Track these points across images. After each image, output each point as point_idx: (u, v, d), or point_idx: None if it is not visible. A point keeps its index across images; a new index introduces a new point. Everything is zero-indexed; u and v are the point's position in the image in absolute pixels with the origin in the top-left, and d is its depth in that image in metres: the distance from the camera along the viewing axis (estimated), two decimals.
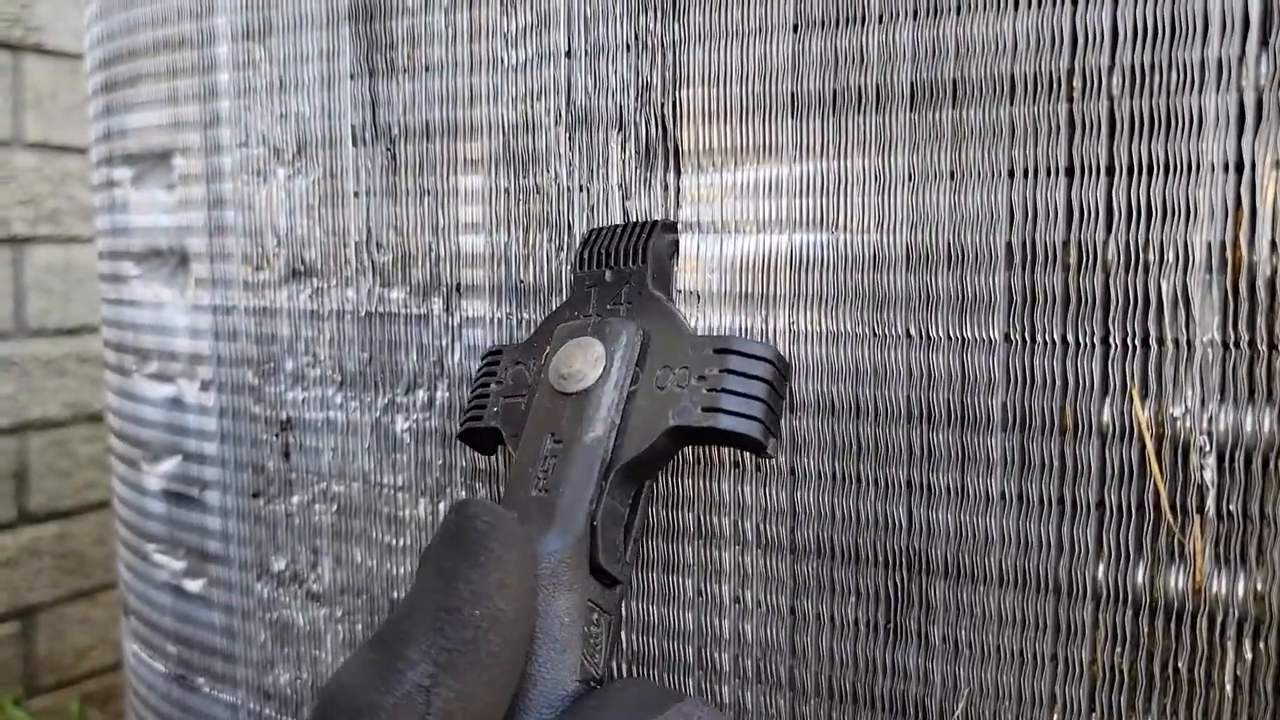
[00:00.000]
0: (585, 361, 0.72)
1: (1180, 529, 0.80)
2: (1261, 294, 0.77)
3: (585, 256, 0.85)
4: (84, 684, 3.82)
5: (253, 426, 1.32)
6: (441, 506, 1.16)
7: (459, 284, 1.13)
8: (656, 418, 0.72)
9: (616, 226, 0.95)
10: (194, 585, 1.42)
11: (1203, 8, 0.77)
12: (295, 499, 1.29)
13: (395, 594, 1.21)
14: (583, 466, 0.68)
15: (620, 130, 1.02)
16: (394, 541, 1.20)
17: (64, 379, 3.71)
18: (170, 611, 1.46)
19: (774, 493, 0.96)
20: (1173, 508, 0.81)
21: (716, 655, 0.99)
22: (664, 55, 0.98)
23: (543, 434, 0.71)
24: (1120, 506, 0.82)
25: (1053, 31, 0.82)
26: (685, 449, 0.90)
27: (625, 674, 1.02)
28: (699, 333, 0.90)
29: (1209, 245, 0.78)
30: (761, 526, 0.96)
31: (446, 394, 1.15)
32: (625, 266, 0.90)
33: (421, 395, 1.16)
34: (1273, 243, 0.77)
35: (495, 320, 1.11)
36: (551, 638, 0.61)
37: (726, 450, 0.95)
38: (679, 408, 0.71)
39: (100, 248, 1.56)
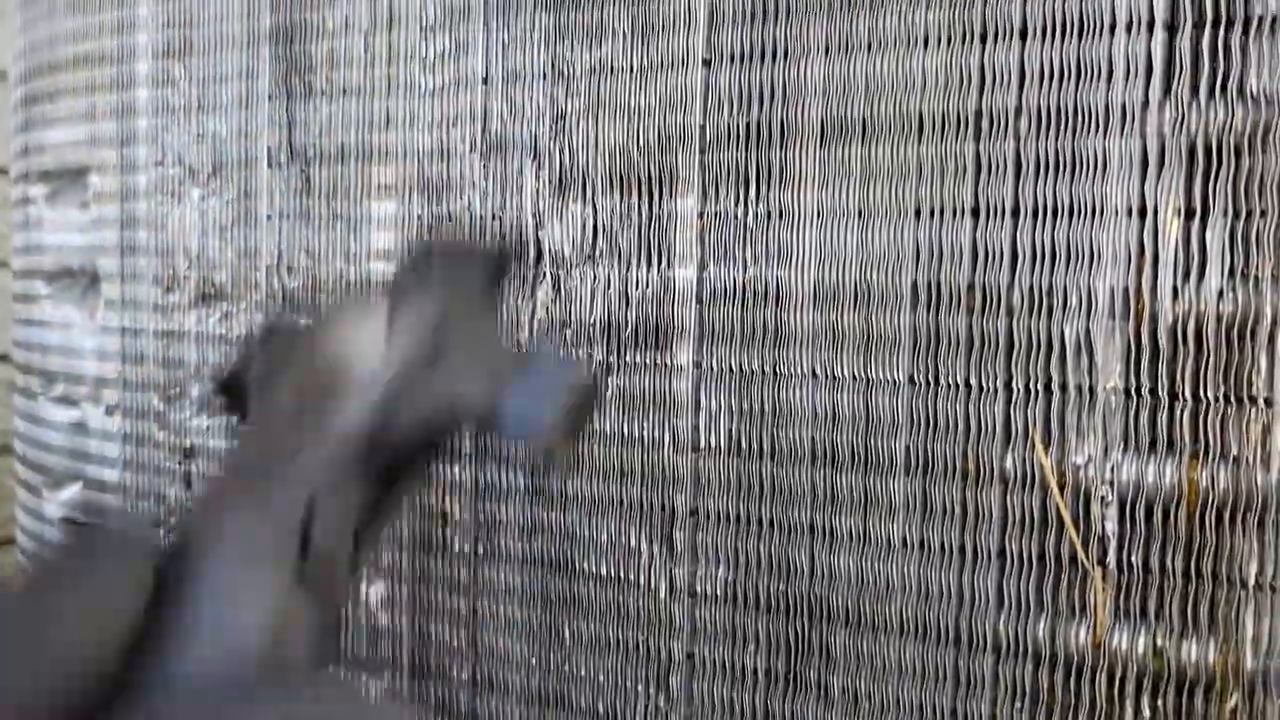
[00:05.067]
0: (357, 334, 0.61)
1: (1081, 581, 0.78)
2: (1164, 342, 0.76)
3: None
4: None
5: (155, 454, 1.27)
6: None
7: None
8: (425, 403, 0.62)
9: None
10: None
11: (1107, 52, 0.76)
12: None
13: None
14: (328, 440, 0.58)
15: (535, 158, 1.00)
16: None
17: None
18: None
19: (679, 535, 0.93)
20: (1073, 559, 0.78)
21: (618, 705, 0.95)
22: (578, 84, 0.97)
23: (294, 399, 0.60)
24: (1021, 556, 0.80)
25: (962, 71, 0.81)
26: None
27: None
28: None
29: (1112, 290, 0.77)
30: (673, 570, 0.93)
31: None
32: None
33: None
34: (1174, 289, 0.76)
35: None
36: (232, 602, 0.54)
37: (642, 499, 0.92)
38: (456, 394, 0.61)
39: (15, 266, 1.51)
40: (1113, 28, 0.77)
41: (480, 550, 1.04)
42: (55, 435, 1.41)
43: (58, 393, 1.40)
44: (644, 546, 0.94)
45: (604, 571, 0.96)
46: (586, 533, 0.97)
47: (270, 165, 1.17)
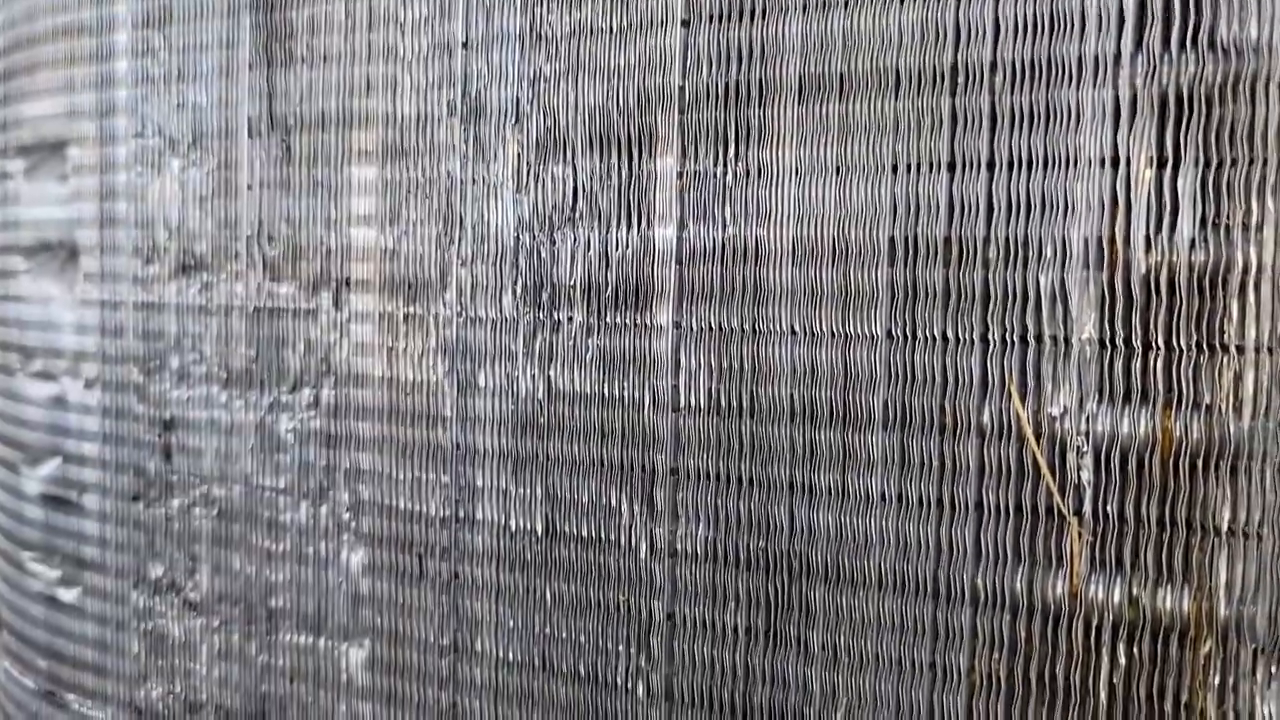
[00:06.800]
0: None
1: (1058, 531, 0.79)
2: (1137, 291, 0.76)
3: None
4: None
5: (135, 427, 1.27)
6: (323, 510, 1.12)
7: (349, 278, 1.10)
8: None
9: None
10: (68, 595, 1.35)
11: (1080, 5, 0.77)
12: (175, 503, 1.23)
13: (273, 602, 1.16)
14: None
15: (516, 121, 1.00)
16: (273, 547, 1.15)
17: None
18: (43, 624, 1.39)
19: (659, 495, 0.93)
20: (1050, 510, 0.79)
21: (599, 666, 0.96)
22: (558, 46, 0.97)
23: None
24: (998, 507, 0.80)
25: (937, 26, 0.81)
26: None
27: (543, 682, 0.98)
28: None
29: (1086, 240, 0.78)
30: (653, 530, 0.93)
31: (332, 393, 1.11)
32: None
33: (306, 394, 1.12)
34: (1147, 239, 0.76)
35: (384, 315, 1.07)
36: None
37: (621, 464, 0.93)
38: None
39: None
40: None
41: (460, 515, 1.04)
42: (34, 411, 1.40)
43: (36, 368, 1.39)
44: (624, 507, 0.94)
45: (584, 533, 0.97)
46: (567, 494, 0.97)
47: (251, 134, 1.16)
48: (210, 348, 1.20)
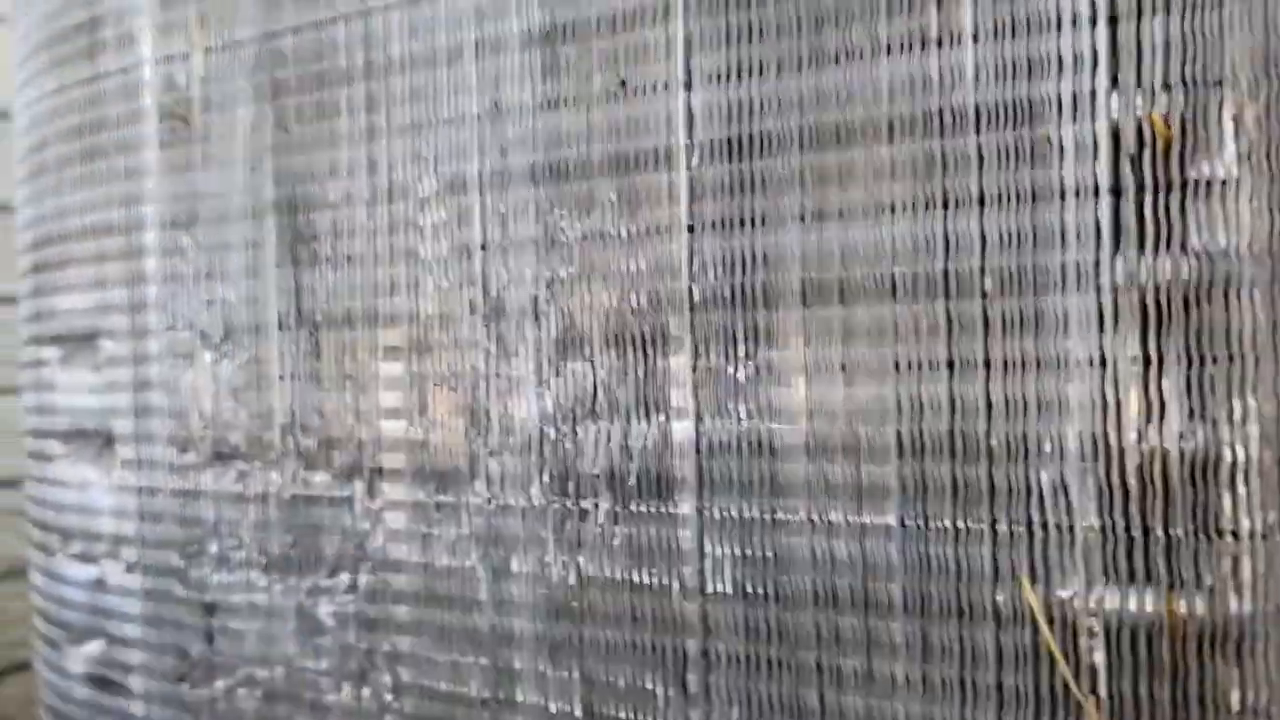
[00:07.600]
0: None
1: (1076, 713, 0.83)
2: (1133, 483, 0.82)
3: None
4: None
5: (176, 610, 1.31)
6: (365, 692, 1.16)
7: (380, 468, 1.15)
8: None
9: None
10: None
11: (1059, 217, 0.83)
12: (220, 684, 1.27)
13: None
14: None
15: (535, 320, 1.06)
16: None
17: None
18: None
19: (691, 678, 0.97)
20: (1067, 691, 0.83)
21: None
22: (572, 251, 1.03)
23: None
24: (1017, 690, 0.84)
25: (927, 236, 0.88)
26: None
27: None
28: None
29: (1081, 436, 0.83)
30: (688, 712, 0.97)
31: (369, 577, 1.15)
32: None
33: (344, 579, 1.17)
34: (1138, 434, 0.81)
35: (415, 504, 1.12)
36: None
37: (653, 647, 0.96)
38: None
39: (29, 425, 1.56)
40: (1062, 194, 0.83)
41: (500, 697, 1.08)
42: (74, 592, 1.44)
43: (76, 550, 1.44)
44: (659, 690, 0.98)
45: (622, 716, 1.00)
46: (603, 678, 1.01)
47: (280, 329, 1.22)
48: (248, 534, 1.25)
